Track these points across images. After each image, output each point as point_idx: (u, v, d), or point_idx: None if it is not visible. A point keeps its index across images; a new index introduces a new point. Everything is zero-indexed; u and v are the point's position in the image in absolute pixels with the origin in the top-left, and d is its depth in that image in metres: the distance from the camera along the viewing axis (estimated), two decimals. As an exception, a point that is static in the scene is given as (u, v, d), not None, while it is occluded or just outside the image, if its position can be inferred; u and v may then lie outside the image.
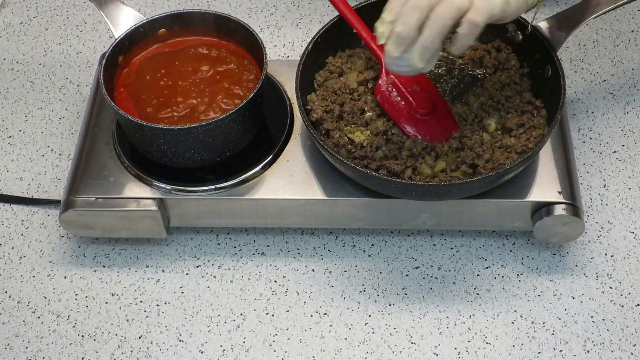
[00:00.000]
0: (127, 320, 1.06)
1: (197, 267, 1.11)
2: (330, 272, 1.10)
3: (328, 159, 1.06)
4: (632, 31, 1.35)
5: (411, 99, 1.08)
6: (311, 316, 1.06)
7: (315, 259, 1.11)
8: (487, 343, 1.03)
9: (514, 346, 1.03)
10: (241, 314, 1.06)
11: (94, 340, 1.05)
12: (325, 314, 1.06)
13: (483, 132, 1.06)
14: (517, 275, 1.08)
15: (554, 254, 1.10)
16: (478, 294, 1.07)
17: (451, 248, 1.11)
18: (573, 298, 1.06)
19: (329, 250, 1.12)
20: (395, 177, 1.02)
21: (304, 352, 1.03)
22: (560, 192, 1.05)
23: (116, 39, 1.11)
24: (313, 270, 1.10)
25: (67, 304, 1.08)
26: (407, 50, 0.91)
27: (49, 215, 1.16)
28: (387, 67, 0.95)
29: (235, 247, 1.13)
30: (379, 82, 1.10)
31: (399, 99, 1.08)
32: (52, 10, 1.44)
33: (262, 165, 1.08)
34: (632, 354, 1.01)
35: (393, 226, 1.11)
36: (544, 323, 1.04)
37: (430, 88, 1.10)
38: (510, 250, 1.11)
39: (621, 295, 1.06)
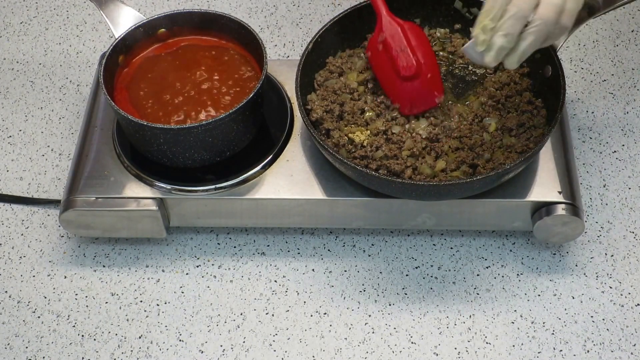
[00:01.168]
0: (127, 320, 1.06)
1: (197, 267, 1.11)
2: (330, 272, 1.10)
3: (328, 159, 1.06)
4: (632, 31, 1.35)
5: (397, 61, 1.05)
6: (311, 316, 1.06)
7: (315, 258, 1.11)
8: (487, 343, 1.03)
9: (514, 346, 1.03)
10: (241, 314, 1.06)
11: (94, 340, 1.05)
12: (325, 313, 1.06)
13: (483, 132, 1.06)
14: (517, 275, 1.08)
15: (554, 254, 1.10)
16: (478, 294, 1.07)
17: (451, 248, 1.11)
18: (573, 298, 1.06)
19: (329, 250, 1.12)
20: (395, 177, 1.02)
21: (304, 352, 1.03)
22: (560, 192, 1.05)
23: (116, 39, 1.11)
24: (313, 270, 1.10)
25: (67, 303, 1.08)
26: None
27: (49, 215, 1.16)
28: (466, 56, 0.94)
29: (235, 247, 1.13)
30: (373, 38, 1.07)
31: (387, 59, 1.06)
32: (52, 10, 1.44)
33: (262, 165, 1.08)
34: (632, 353, 1.01)
35: (393, 226, 1.11)
36: (544, 323, 1.04)
37: (425, 49, 1.07)
38: (510, 250, 1.11)
39: (621, 295, 1.06)
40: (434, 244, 1.12)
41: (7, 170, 1.22)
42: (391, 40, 1.07)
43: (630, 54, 1.32)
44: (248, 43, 1.12)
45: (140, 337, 1.05)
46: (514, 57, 0.91)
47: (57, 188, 1.19)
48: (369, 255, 1.11)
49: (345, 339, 1.04)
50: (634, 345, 1.02)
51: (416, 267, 1.10)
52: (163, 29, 1.14)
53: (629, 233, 1.12)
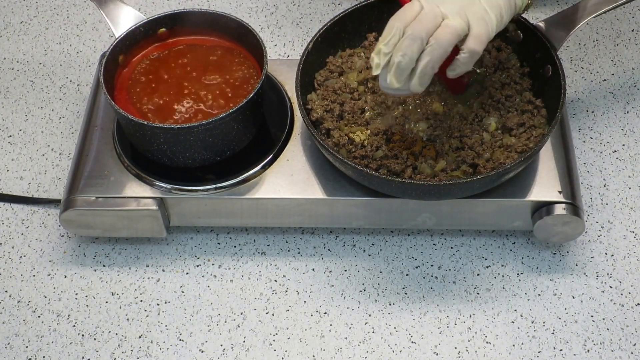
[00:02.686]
0: (128, 319, 1.06)
1: (197, 266, 1.11)
2: (330, 271, 1.10)
3: (328, 159, 1.06)
4: (633, 30, 1.35)
5: None
6: (311, 315, 1.06)
7: (315, 258, 1.11)
8: (487, 342, 1.03)
9: (514, 345, 1.03)
10: (241, 314, 1.06)
11: (94, 339, 1.05)
12: (325, 313, 1.06)
13: (483, 132, 1.06)
14: (517, 274, 1.08)
15: (554, 254, 1.10)
16: (478, 294, 1.07)
17: (451, 247, 1.11)
18: (573, 297, 1.06)
19: (329, 249, 1.12)
20: (396, 176, 1.02)
21: (304, 351, 1.03)
22: (560, 192, 1.05)
23: (116, 39, 1.11)
24: (313, 269, 1.10)
25: (67, 303, 1.08)
26: (406, 78, 0.94)
27: (49, 215, 1.16)
28: (383, 90, 0.97)
29: (235, 246, 1.13)
30: None
31: None
32: (52, 9, 1.44)
33: (262, 165, 1.08)
34: (632, 353, 1.01)
35: (393, 226, 1.11)
36: (544, 322, 1.04)
37: None
38: (511, 250, 1.11)
39: (621, 294, 1.06)
40: (434, 244, 1.12)
41: (7, 170, 1.22)
42: None
43: (631, 53, 1.32)
44: (248, 43, 1.12)
45: (140, 337, 1.05)
46: (414, 79, 0.93)
47: (57, 188, 1.19)
48: (369, 255, 1.11)
49: (346, 338, 1.04)
50: (634, 344, 1.02)
51: (416, 267, 1.10)
52: (163, 29, 1.14)
53: (629, 233, 1.12)
